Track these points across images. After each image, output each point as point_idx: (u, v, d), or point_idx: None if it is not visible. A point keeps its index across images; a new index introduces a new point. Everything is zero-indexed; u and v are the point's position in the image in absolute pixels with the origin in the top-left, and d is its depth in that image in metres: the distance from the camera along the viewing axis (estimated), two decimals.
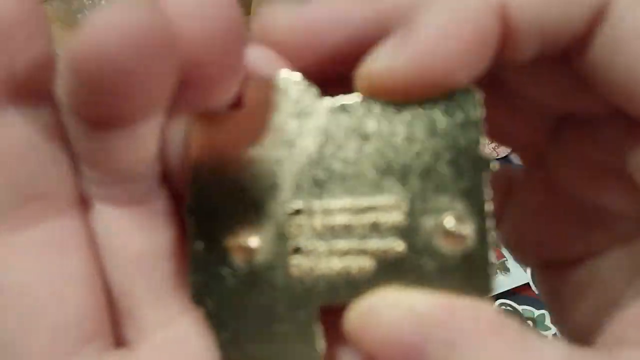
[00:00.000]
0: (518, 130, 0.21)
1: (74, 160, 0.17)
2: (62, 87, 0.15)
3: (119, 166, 0.16)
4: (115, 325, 0.18)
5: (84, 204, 0.17)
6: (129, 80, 0.14)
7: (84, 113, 0.15)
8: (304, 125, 0.17)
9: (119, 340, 0.18)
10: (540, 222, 0.22)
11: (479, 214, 0.16)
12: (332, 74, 0.18)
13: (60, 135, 0.16)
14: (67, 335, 0.16)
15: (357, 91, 0.17)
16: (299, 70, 0.17)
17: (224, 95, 0.17)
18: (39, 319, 0.16)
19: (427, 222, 0.16)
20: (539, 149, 0.21)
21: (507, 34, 0.16)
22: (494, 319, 0.15)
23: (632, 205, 0.19)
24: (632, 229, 0.20)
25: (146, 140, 0.16)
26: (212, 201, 0.17)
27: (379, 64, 0.16)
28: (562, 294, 0.22)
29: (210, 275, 0.17)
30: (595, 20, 0.16)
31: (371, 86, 0.16)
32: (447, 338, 0.15)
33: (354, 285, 0.16)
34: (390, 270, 0.16)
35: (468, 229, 0.16)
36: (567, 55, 0.17)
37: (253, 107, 0.17)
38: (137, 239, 0.17)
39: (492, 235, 0.16)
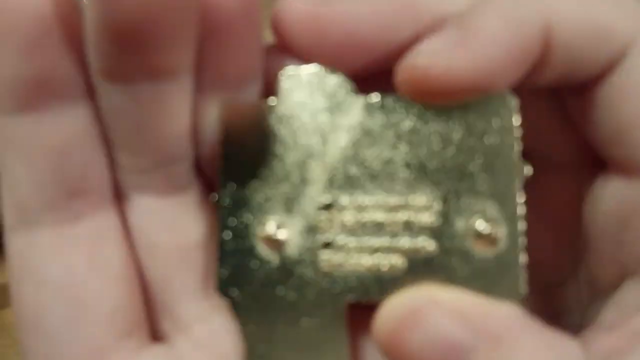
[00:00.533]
0: None
1: (111, 155, 0.17)
2: (90, 44, 0.15)
3: (155, 141, 0.17)
4: (151, 319, 0.18)
5: (120, 199, 0.18)
6: (154, 28, 0.14)
7: (114, 67, 0.15)
8: (338, 120, 0.17)
9: (155, 334, 0.18)
10: None
11: (511, 217, 0.16)
12: (347, 72, 0.18)
13: (99, 133, 0.17)
14: (108, 329, 0.17)
15: (395, 85, 0.17)
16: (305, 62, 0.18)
17: (246, 60, 0.17)
18: (83, 312, 0.17)
19: (459, 223, 0.16)
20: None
21: (544, 54, 0.16)
22: (528, 319, 0.15)
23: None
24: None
25: (177, 107, 0.16)
26: (241, 192, 0.17)
27: (432, 60, 0.16)
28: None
29: (237, 266, 0.17)
30: (611, 66, 0.16)
31: (416, 81, 0.16)
32: (493, 336, 0.15)
33: (384, 283, 0.16)
34: (421, 270, 0.16)
35: (500, 232, 0.16)
36: (573, 88, 0.17)
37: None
38: (174, 232, 0.18)
39: (524, 239, 0.16)
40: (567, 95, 0.18)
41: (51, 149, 0.16)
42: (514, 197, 0.16)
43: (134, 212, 0.18)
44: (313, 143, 0.17)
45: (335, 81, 0.17)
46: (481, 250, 0.16)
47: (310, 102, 0.17)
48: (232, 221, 0.17)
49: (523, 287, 0.16)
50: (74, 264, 0.17)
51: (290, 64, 0.17)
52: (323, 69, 0.17)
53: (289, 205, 0.17)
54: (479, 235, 0.16)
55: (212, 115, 0.17)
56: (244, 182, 0.17)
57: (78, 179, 0.17)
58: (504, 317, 0.15)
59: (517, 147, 0.16)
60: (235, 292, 0.17)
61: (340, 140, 0.17)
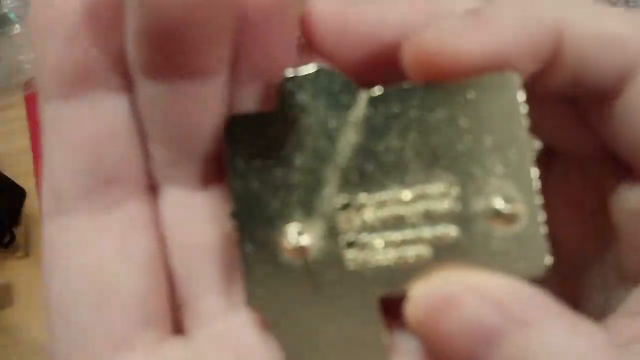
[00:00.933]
0: None
1: (146, 146, 0.18)
2: (130, 41, 0.16)
3: (188, 135, 0.17)
4: (174, 313, 0.18)
5: (153, 190, 0.18)
6: (195, 30, 0.15)
7: (152, 65, 0.16)
8: (344, 117, 0.17)
9: (176, 327, 0.19)
10: None
11: (527, 193, 0.16)
12: (370, 75, 0.18)
13: (135, 125, 0.18)
14: (132, 318, 0.17)
15: (402, 58, 0.17)
16: (337, 64, 0.18)
17: (281, 54, 0.17)
18: (109, 299, 0.17)
19: (478, 205, 0.17)
20: None
21: (553, 57, 0.17)
22: (553, 301, 0.16)
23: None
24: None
25: (212, 103, 0.17)
26: (255, 203, 0.17)
27: (441, 38, 0.16)
28: None
29: (264, 278, 0.17)
30: (625, 78, 0.17)
31: (422, 58, 0.16)
32: (522, 320, 0.15)
33: (412, 273, 0.17)
34: (447, 256, 0.17)
35: (519, 208, 0.16)
36: (588, 98, 0.18)
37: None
38: (203, 227, 0.18)
39: (543, 213, 0.16)
40: (587, 104, 0.18)
41: (90, 136, 0.17)
42: (528, 172, 0.16)
43: (164, 205, 0.18)
44: (322, 144, 0.17)
45: (336, 79, 0.17)
46: (502, 229, 0.16)
47: (314, 103, 0.17)
48: (252, 233, 0.17)
49: (548, 258, 0.16)
50: (104, 251, 0.17)
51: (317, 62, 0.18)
52: (322, 68, 0.17)
53: (307, 209, 0.17)
54: (498, 215, 0.16)
55: (249, 99, 0.17)
56: (257, 192, 0.17)
57: (113, 168, 0.17)
58: (532, 300, 0.15)
59: (525, 123, 0.16)
60: (264, 304, 0.17)
61: (349, 138, 0.17)
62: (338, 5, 0.18)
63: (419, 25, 0.17)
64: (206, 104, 0.17)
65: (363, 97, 0.17)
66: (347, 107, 0.17)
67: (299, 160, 0.17)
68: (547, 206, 0.17)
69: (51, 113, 0.17)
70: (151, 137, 0.18)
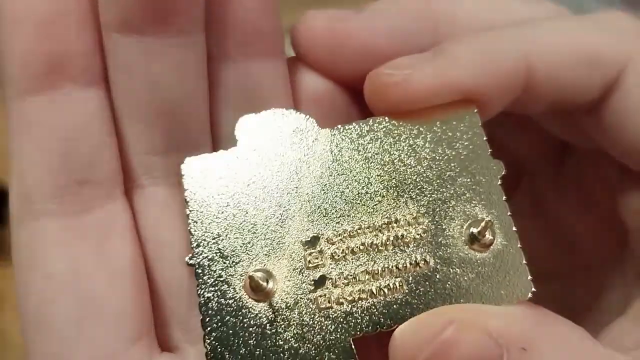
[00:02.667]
0: (519, 144, 0.22)
1: (122, 143, 0.17)
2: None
3: (170, 108, 0.17)
4: (159, 325, 0.17)
5: (130, 190, 0.18)
6: None
7: (128, 17, 0.16)
8: (305, 153, 0.17)
9: (162, 341, 0.17)
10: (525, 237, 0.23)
11: (500, 215, 0.16)
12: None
13: (110, 120, 0.17)
14: (117, 332, 0.16)
15: (365, 94, 0.17)
16: (330, 78, 0.19)
17: (255, 17, 0.17)
18: (91, 310, 0.16)
19: (452, 231, 0.16)
20: (535, 167, 0.22)
21: (527, 87, 0.17)
22: (549, 320, 0.16)
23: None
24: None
25: (190, 68, 0.17)
26: (217, 246, 0.17)
27: (394, 71, 0.17)
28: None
29: (226, 327, 0.16)
30: (608, 91, 0.17)
31: (378, 89, 0.17)
32: (519, 346, 0.15)
33: (389, 311, 0.16)
34: (425, 287, 0.16)
35: (494, 232, 0.16)
36: (578, 111, 0.18)
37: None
38: (183, 229, 0.17)
39: (516, 235, 0.16)
40: (575, 116, 0.18)
41: (61, 132, 0.16)
42: (498, 195, 0.16)
43: (143, 205, 0.18)
44: (285, 180, 0.17)
45: (295, 118, 0.18)
46: (480, 254, 0.16)
47: (273, 142, 0.17)
48: (212, 279, 0.16)
49: (529, 281, 0.16)
50: (80, 258, 0.16)
51: (310, 77, 0.19)
52: (279, 111, 0.18)
53: (272, 248, 0.17)
54: (474, 239, 0.16)
55: (228, 86, 0.18)
56: (218, 235, 0.17)
57: (87, 166, 0.17)
58: (526, 323, 0.15)
59: (487, 150, 0.17)
60: (229, 356, 0.16)
61: (314, 172, 0.17)
62: (328, 21, 0.18)
63: (410, 35, 0.18)
64: (183, 68, 0.17)
65: (325, 133, 0.17)
66: (309, 143, 0.17)
67: (260, 199, 0.17)
68: (562, 205, 0.18)
69: (19, 109, 0.16)
70: (130, 118, 0.17)
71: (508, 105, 0.17)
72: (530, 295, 0.16)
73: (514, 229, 0.16)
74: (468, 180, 0.17)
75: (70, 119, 0.16)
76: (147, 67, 0.17)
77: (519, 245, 0.16)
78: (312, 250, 0.17)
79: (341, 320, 0.16)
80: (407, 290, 0.16)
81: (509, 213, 0.16)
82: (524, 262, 0.16)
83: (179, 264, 0.17)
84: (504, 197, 0.16)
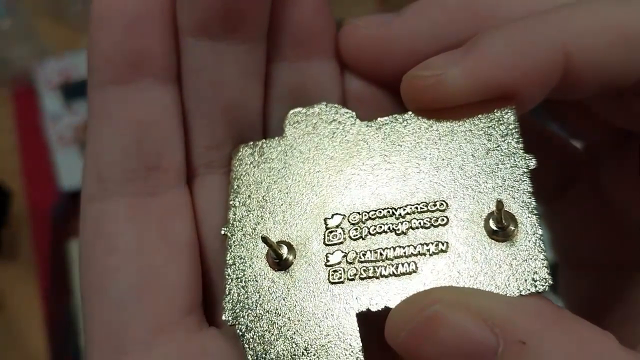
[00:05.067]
0: (578, 133, 0.22)
1: (187, 137, 0.19)
2: (185, 2, 0.17)
3: (231, 106, 0.18)
4: (208, 303, 0.18)
5: (191, 180, 0.19)
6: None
7: (204, 23, 0.17)
8: (342, 142, 0.18)
9: (211, 315, 0.18)
10: (585, 226, 0.23)
11: (525, 207, 0.16)
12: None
13: (179, 115, 0.18)
14: (173, 303, 0.17)
15: (402, 94, 0.18)
16: (372, 80, 0.19)
17: (310, 20, 0.19)
18: (151, 281, 0.17)
19: (474, 220, 0.16)
20: (597, 154, 0.22)
21: (567, 75, 0.17)
22: (554, 314, 0.15)
23: None
24: None
25: (253, 71, 0.18)
26: (249, 217, 0.18)
27: (428, 71, 0.17)
28: (595, 298, 0.22)
29: (245, 291, 0.17)
30: None
31: (413, 90, 0.17)
32: (518, 336, 0.14)
33: (398, 290, 0.16)
34: (437, 270, 0.16)
35: (516, 223, 0.16)
36: (627, 93, 0.18)
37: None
38: None
39: (539, 228, 0.16)
40: (628, 98, 0.18)
41: (137, 122, 0.18)
42: (525, 187, 0.16)
43: (201, 191, 0.19)
44: (319, 165, 0.18)
45: (337, 111, 0.19)
46: (499, 243, 0.16)
47: (315, 132, 0.19)
48: (239, 247, 0.18)
49: (547, 276, 0.15)
50: (144, 234, 0.17)
51: (357, 84, 0.19)
52: (324, 105, 0.19)
53: (297, 223, 0.18)
54: (495, 228, 0.16)
55: (283, 86, 0.19)
56: (252, 209, 0.18)
57: (157, 155, 0.18)
58: (528, 314, 0.15)
59: (521, 145, 0.17)
60: (244, 319, 0.17)
61: (345, 159, 0.18)
62: (370, 28, 0.19)
63: (452, 32, 0.18)
64: (247, 70, 0.18)
65: (360, 124, 0.18)
66: (346, 133, 0.18)
67: (295, 180, 0.18)
68: (624, 195, 0.19)
69: (100, 98, 0.18)
70: (196, 114, 0.18)
71: (550, 94, 0.17)
72: (546, 288, 0.15)
73: (538, 221, 0.16)
74: (497, 173, 0.17)
75: (146, 110, 0.18)
76: (216, 69, 0.18)
77: (540, 238, 0.16)
78: (333, 228, 0.17)
79: (348, 295, 0.16)
80: (419, 273, 0.16)
81: (534, 205, 0.16)
82: (544, 254, 0.16)
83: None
84: (531, 190, 0.16)
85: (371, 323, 0.16)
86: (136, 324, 0.17)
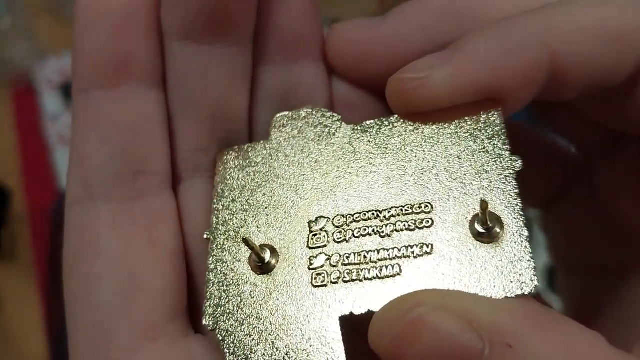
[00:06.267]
0: (570, 136, 0.22)
1: (172, 141, 0.19)
2: (169, 5, 0.17)
3: (218, 109, 0.18)
4: (192, 308, 0.18)
5: (176, 184, 0.19)
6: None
7: (190, 26, 0.17)
8: (328, 145, 0.18)
9: (196, 321, 0.18)
10: (581, 229, 0.22)
11: (511, 210, 0.16)
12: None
13: (165, 120, 0.18)
14: (158, 308, 0.17)
15: (387, 97, 0.18)
16: (359, 83, 0.19)
17: (298, 24, 0.18)
18: (136, 286, 0.17)
19: (460, 222, 0.16)
20: (590, 158, 0.22)
21: (553, 75, 0.17)
22: (541, 316, 0.15)
23: None
24: None
25: (238, 75, 0.18)
26: (233, 221, 0.18)
27: (413, 74, 0.17)
28: (592, 300, 0.22)
29: (227, 295, 0.17)
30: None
31: (398, 93, 0.17)
32: (503, 339, 0.14)
33: (382, 293, 0.16)
34: (422, 273, 0.16)
35: (502, 225, 0.16)
36: (612, 94, 0.17)
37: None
38: None
39: (525, 229, 0.16)
40: (616, 98, 0.18)
41: (123, 126, 0.17)
42: (511, 189, 0.16)
43: (186, 195, 0.19)
44: (303, 168, 0.18)
45: (323, 115, 0.19)
46: (485, 244, 0.16)
47: (300, 136, 0.19)
48: (221, 251, 0.18)
49: (534, 278, 0.15)
50: (129, 239, 0.17)
51: (343, 88, 0.19)
52: (310, 108, 0.19)
53: (280, 227, 0.18)
54: (480, 230, 0.16)
55: (269, 89, 0.19)
56: (235, 213, 0.18)
57: (142, 159, 0.18)
58: (514, 317, 0.14)
59: (508, 147, 0.17)
60: (225, 322, 0.17)
61: (330, 162, 0.18)
62: (355, 32, 0.19)
63: (436, 34, 0.18)
64: (234, 73, 0.18)
65: (346, 128, 0.18)
66: (331, 137, 0.18)
67: (279, 184, 0.18)
68: (618, 197, 0.18)
69: (85, 102, 0.17)
70: (181, 117, 0.18)
71: (537, 95, 0.17)
72: (533, 290, 0.15)
73: (524, 223, 0.16)
74: (483, 175, 0.17)
75: (131, 114, 0.17)
76: (202, 72, 0.18)
77: (527, 239, 0.16)
78: (317, 231, 0.17)
79: (331, 298, 0.16)
80: (403, 275, 0.16)
81: (520, 207, 0.16)
82: (531, 256, 0.15)
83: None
84: (517, 191, 0.16)
85: (356, 327, 0.16)
86: (121, 330, 0.17)
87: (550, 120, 0.21)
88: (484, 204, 0.15)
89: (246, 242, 0.17)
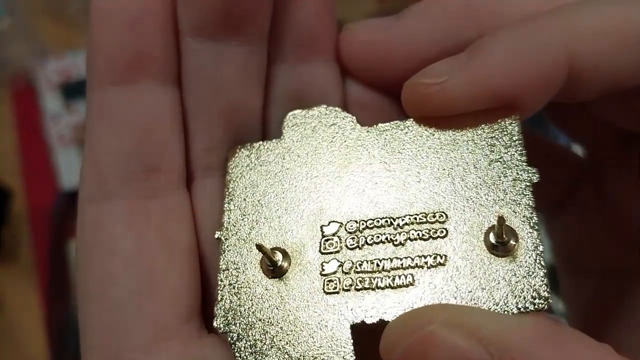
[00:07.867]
0: (581, 137, 0.22)
1: (186, 140, 0.18)
2: (186, 3, 0.17)
3: (231, 108, 0.18)
4: (206, 309, 0.18)
5: (189, 183, 0.19)
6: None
7: (206, 23, 0.17)
8: (341, 147, 0.18)
9: (210, 322, 0.18)
10: (588, 232, 0.22)
11: (526, 223, 0.16)
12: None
13: (179, 118, 0.18)
14: (173, 309, 0.17)
15: (403, 102, 0.18)
16: (373, 85, 0.19)
17: (312, 22, 0.18)
18: (150, 285, 0.17)
19: (474, 234, 0.16)
20: (600, 159, 0.22)
21: (571, 78, 0.16)
22: (551, 332, 0.14)
23: None
24: None
25: (253, 73, 0.18)
26: (245, 223, 0.18)
27: (430, 79, 0.17)
28: (598, 303, 0.22)
29: (238, 298, 0.17)
30: None
31: (415, 98, 0.17)
32: (513, 356, 0.14)
33: (395, 303, 0.16)
34: (435, 284, 0.16)
35: (517, 238, 0.15)
36: (628, 94, 0.17)
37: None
38: None
39: (540, 245, 0.15)
40: (636, 100, 0.18)
41: (138, 122, 0.17)
42: (527, 202, 0.16)
43: (200, 194, 0.19)
44: (317, 170, 0.18)
45: (337, 115, 0.18)
46: (499, 258, 0.15)
47: (313, 135, 0.18)
48: (232, 252, 0.18)
49: (547, 294, 0.15)
50: (144, 238, 0.17)
51: (357, 89, 0.19)
52: (324, 108, 0.19)
53: (294, 230, 0.17)
54: (495, 243, 0.15)
55: (283, 87, 0.19)
56: (247, 214, 0.18)
57: (157, 156, 0.18)
58: (524, 333, 0.14)
59: (524, 156, 0.16)
60: (236, 326, 0.17)
61: (344, 165, 0.18)
62: (368, 33, 0.19)
63: (452, 33, 0.18)
64: (248, 71, 0.18)
65: (360, 129, 0.18)
66: (345, 138, 0.18)
67: (292, 185, 0.18)
68: (628, 198, 0.18)
69: (100, 98, 0.17)
70: (195, 115, 0.18)
71: (554, 97, 0.17)
72: (545, 306, 0.15)
73: (539, 237, 0.16)
74: (499, 185, 0.16)
75: (147, 111, 0.17)
76: (216, 70, 0.18)
77: (541, 254, 0.15)
78: (329, 236, 0.17)
79: (343, 306, 0.16)
80: (416, 286, 0.16)
81: (535, 220, 0.16)
82: (544, 272, 0.15)
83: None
84: (533, 205, 0.16)
85: (367, 335, 0.16)
86: (136, 330, 0.16)
87: (560, 120, 0.21)
88: (501, 220, 0.15)
89: (259, 247, 0.17)
